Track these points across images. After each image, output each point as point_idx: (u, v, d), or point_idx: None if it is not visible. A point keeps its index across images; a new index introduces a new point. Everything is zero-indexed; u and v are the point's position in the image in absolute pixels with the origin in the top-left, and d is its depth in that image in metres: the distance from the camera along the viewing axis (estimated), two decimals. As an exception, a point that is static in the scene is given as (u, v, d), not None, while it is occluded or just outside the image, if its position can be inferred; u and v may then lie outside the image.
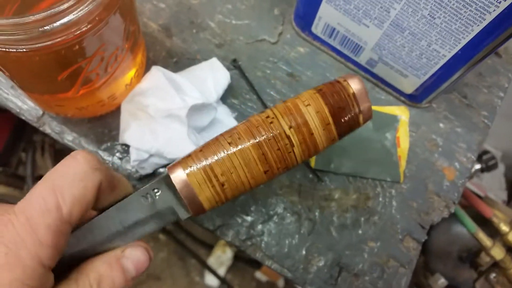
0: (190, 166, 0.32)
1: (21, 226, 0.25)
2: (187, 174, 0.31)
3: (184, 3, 0.54)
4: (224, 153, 0.31)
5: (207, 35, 0.53)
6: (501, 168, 1.18)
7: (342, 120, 0.33)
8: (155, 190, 0.32)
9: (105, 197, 0.30)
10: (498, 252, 0.75)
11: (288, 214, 0.48)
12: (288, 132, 0.32)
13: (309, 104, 0.32)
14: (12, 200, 0.98)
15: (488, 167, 1.17)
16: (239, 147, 0.32)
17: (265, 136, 0.32)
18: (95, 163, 0.29)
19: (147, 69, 0.47)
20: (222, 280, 1.23)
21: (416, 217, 0.49)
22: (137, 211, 0.31)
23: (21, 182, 1.02)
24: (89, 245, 0.30)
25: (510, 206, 1.05)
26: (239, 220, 0.47)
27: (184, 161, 0.32)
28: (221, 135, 0.33)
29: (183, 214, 0.32)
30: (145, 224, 0.31)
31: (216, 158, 0.31)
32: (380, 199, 0.49)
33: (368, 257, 0.48)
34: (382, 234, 0.48)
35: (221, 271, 1.25)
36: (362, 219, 0.49)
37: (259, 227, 0.47)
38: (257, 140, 0.32)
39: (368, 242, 0.48)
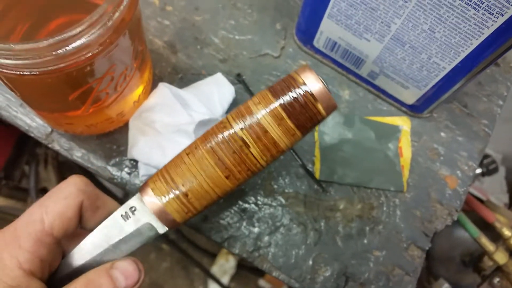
0: (155, 181, 0.33)
1: (9, 234, 0.29)
2: (153, 189, 0.32)
3: (188, 20, 0.55)
4: (183, 164, 0.32)
5: (211, 51, 0.54)
6: (501, 171, 1.18)
7: (297, 112, 0.31)
8: (132, 209, 0.33)
9: (89, 216, 0.33)
10: (501, 257, 0.76)
11: (294, 225, 0.49)
12: (240, 133, 0.32)
13: (259, 103, 0.32)
14: (15, 213, 0.98)
15: (489, 171, 1.18)
16: (196, 155, 0.32)
17: (218, 141, 0.32)
18: (81, 185, 0.32)
19: (153, 85, 0.48)
20: (226, 289, 1.23)
21: (419, 225, 0.50)
22: (118, 229, 0.33)
23: (24, 195, 1.03)
24: (82, 263, 0.32)
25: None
26: (246, 232, 0.47)
27: (151, 178, 0.33)
28: (184, 149, 0.34)
29: (160, 229, 0.33)
30: (129, 241, 0.33)
31: (176, 169, 0.32)
32: (384, 208, 0.50)
33: (374, 266, 0.48)
34: (387, 243, 0.49)
35: (225, 280, 1.25)
36: (367, 228, 0.50)
37: (266, 238, 0.48)
38: (212, 146, 0.32)
39: (374, 251, 0.49)
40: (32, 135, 0.48)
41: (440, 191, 0.51)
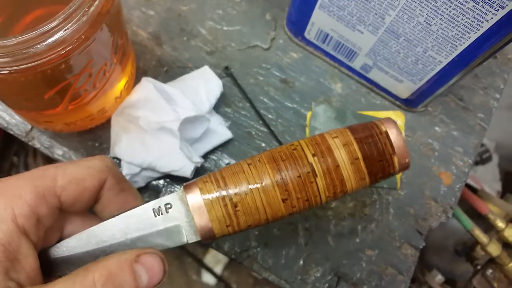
0: (205, 182, 0.30)
1: (11, 181, 0.26)
2: (201, 189, 0.30)
3: (174, 10, 0.52)
4: (242, 172, 0.30)
5: (198, 42, 0.51)
6: (495, 159, 1.18)
7: (373, 157, 0.30)
8: (168, 205, 0.30)
9: (111, 197, 0.30)
10: (494, 249, 0.75)
11: (284, 225, 0.47)
12: (311, 159, 0.30)
13: (336, 137, 0.31)
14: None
15: (482, 160, 1.17)
16: (258, 168, 0.30)
17: (286, 160, 0.30)
18: (109, 162, 0.30)
19: (137, 79, 0.46)
20: (219, 278, 1.23)
21: (413, 223, 0.49)
22: (144, 223, 0.29)
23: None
24: (87, 250, 0.29)
25: (505, 198, 1.05)
26: (235, 232, 0.46)
27: (201, 178, 0.31)
28: (246, 159, 0.32)
29: (191, 237, 0.30)
30: (151, 240, 0.30)
31: (232, 177, 0.30)
32: (377, 206, 0.49)
33: (366, 266, 0.47)
34: (380, 241, 0.48)
35: (218, 269, 1.25)
36: (359, 227, 0.48)
37: (255, 238, 0.46)
38: (277, 163, 0.30)
39: (366, 250, 0.48)
40: (11, 132, 0.46)
41: (434, 187, 0.50)
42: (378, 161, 0.30)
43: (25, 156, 1.04)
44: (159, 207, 0.30)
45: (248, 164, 0.30)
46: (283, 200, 0.30)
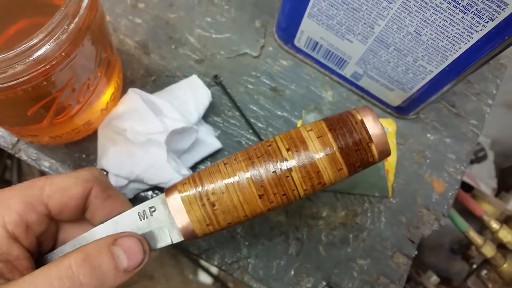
0: (184, 184, 0.31)
1: (3, 193, 0.28)
2: (179, 191, 0.31)
3: (162, 17, 0.51)
4: (218, 172, 0.31)
5: (187, 51, 0.50)
6: (490, 155, 1.17)
7: (349, 147, 0.30)
8: (152, 209, 0.31)
9: (98, 204, 0.31)
10: (489, 250, 0.75)
11: (275, 235, 0.47)
12: (285, 153, 0.30)
13: (311, 129, 0.31)
14: None
15: (477, 159, 1.17)
16: (233, 166, 0.30)
17: (260, 157, 0.30)
18: (95, 172, 0.32)
19: (124, 89, 0.45)
20: (216, 278, 1.22)
21: (405, 232, 0.48)
22: (131, 226, 0.31)
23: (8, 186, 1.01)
24: None
25: (500, 196, 1.05)
26: (225, 243, 0.45)
27: (180, 181, 0.32)
28: (222, 159, 0.32)
29: (175, 237, 0.31)
30: None
31: (209, 177, 0.31)
32: (369, 215, 0.48)
33: (358, 275, 0.47)
34: (372, 251, 0.48)
35: (214, 269, 1.25)
36: (351, 236, 0.48)
37: (246, 249, 0.46)
38: (252, 161, 0.30)
39: (358, 260, 0.47)
40: (-4, 144, 0.45)
41: (426, 195, 0.50)
42: (355, 150, 0.30)
43: (18, 159, 1.04)
44: (144, 210, 0.31)
45: (225, 164, 0.31)
46: (260, 196, 0.30)
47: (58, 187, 0.29)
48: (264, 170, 0.30)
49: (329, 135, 0.30)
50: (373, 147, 0.30)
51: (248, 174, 0.30)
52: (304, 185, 0.30)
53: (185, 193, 0.30)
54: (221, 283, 1.24)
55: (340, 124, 0.30)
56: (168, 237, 0.31)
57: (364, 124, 0.30)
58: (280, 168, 0.30)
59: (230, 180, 0.30)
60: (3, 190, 0.29)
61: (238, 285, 1.28)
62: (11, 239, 0.27)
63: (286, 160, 0.30)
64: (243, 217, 0.31)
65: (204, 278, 1.26)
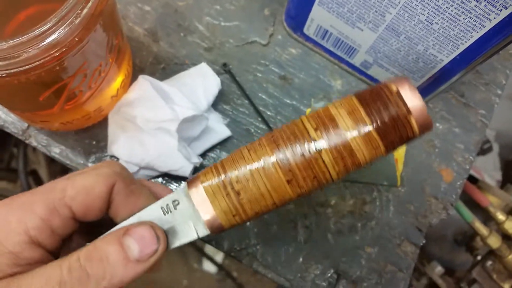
0: (206, 174, 0.29)
1: (24, 197, 0.27)
2: (202, 182, 0.28)
3: (171, 5, 0.51)
4: (242, 159, 0.28)
5: (196, 39, 0.50)
6: (495, 148, 1.17)
7: (385, 123, 0.27)
8: (175, 202, 0.29)
9: (121, 201, 0.30)
10: (494, 241, 0.75)
11: (284, 222, 0.47)
12: (313, 134, 0.27)
13: (341, 106, 0.28)
14: (6, 194, 0.97)
15: (483, 151, 1.16)
16: (257, 152, 0.28)
17: (286, 139, 0.28)
18: (116, 167, 0.30)
19: (133, 77, 0.46)
20: (220, 267, 1.23)
21: (413, 220, 0.49)
22: (155, 222, 0.29)
23: (15, 176, 1.01)
24: None
25: (505, 188, 1.05)
26: (234, 230, 0.46)
27: (203, 171, 0.30)
28: (246, 145, 0.30)
29: (201, 231, 0.29)
30: None
31: (232, 165, 0.28)
32: (377, 203, 0.49)
33: (366, 263, 0.47)
34: (380, 239, 0.48)
35: (219, 258, 1.25)
36: (359, 224, 0.48)
37: (255, 236, 0.46)
38: (278, 143, 0.28)
39: (366, 248, 0.48)
40: (7, 130, 0.46)
41: (435, 184, 0.50)
42: (392, 125, 0.27)
43: (24, 147, 1.04)
44: (167, 204, 0.29)
45: (248, 150, 0.29)
46: (288, 182, 0.28)
47: (81, 187, 0.28)
48: (291, 153, 0.27)
49: (362, 110, 0.27)
50: (413, 121, 0.27)
51: (273, 159, 0.28)
52: (336, 166, 0.27)
53: (207, 183, 0.28)
54: (225, 272, 1.25)
55: (373, 98, 0.27)
56: (193, 231, 0.29)
57: (401, 96, 0.27)
58: (309, 150, 0.27)
59: (255, 166, 0.28)
60: (25, 194, 0.28)
61: (242, 273, 1.29)
62: (34, 244, 0.26)
63: (315, 140, 0.27)
64: (271, 205, 0.28)
65: (209, 267, 1.27)
